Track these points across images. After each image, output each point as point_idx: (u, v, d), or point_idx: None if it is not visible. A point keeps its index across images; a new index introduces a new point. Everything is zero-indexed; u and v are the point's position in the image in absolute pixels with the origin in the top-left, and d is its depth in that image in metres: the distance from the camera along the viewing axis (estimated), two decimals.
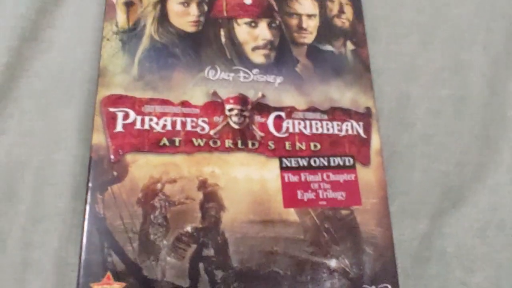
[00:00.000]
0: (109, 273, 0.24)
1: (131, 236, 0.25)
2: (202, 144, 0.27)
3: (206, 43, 0.30)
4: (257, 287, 0.25)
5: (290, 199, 0.27)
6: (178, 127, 0.27)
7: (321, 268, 0.26)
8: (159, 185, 0.26)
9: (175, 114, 0.28)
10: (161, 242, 0.25)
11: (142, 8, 0.30)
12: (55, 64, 0.32)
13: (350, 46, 0.32)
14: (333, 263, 0.26)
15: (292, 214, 0.27)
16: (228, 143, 0.28)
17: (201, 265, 0.25)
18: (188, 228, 0.25)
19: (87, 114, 0.31)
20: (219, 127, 0.28)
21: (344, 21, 0.32)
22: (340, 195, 0.28)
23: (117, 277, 0.24)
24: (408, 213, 0.30)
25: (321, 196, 0.27)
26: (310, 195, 0.27)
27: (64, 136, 0.31)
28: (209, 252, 0.25)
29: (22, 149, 0.30)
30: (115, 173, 0.26)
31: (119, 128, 0.27)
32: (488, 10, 0.37)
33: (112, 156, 0.26)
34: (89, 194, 0.25)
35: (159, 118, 0.27)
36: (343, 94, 0.30)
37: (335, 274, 0.26)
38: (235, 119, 0.28)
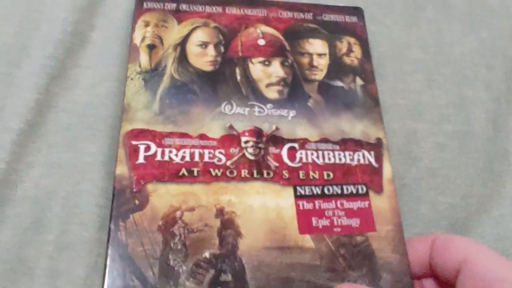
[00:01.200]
0: None
1: (151, 262, 0.25)
2: (219, 174, 0.28)
3: (223, 80, 0.32)
4: None
5: (305, 225, 0.27)
6: (196, 158, 0.29)
7: None
8: (178, 213, 0.27)
9: (193, 146, 0.29)
10: (180, 267, 0.25)
11: (164, 50, 0.32)
12: (80, 101, 0.34)
13: (359, 81, 0.33)
14: None
15: (307, 240, 0.27)
16: (244, 173, 0.29)
17: None
18: (206, 254, 0.26)
19: (110, 147, 0.32)
20: (235, 158, 0.29)
21: (353, 59, 0.34)
22: (354, 222, 0.28)
23: None
24: None
25: (335, 223, 0.28)
26: (324, 222, 0.28)
27: (90, 168, 0.32)
28: (227, 277, 0.26)
29: (49, 181, 0.32)
30: (136, 201, 0.27)
31: (141, 159, 0.28)
32: (489, 49, 0.38)
33: (134, 186, 0.27)
34: (112, 222, 0.26)
35: (178, 150, 0.29)
36: (354, 126, 0.31)
37: None
38: (250, 150, 0.29)
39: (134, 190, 0.27)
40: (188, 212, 0.27)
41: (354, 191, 0.29)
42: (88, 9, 0.37)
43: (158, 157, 0.28)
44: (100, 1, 0.38)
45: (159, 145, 0.29)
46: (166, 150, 0.29)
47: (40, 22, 0.36)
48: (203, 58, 0.33)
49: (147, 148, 0.29)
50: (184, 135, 0.29)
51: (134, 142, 0.29)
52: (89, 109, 0.34)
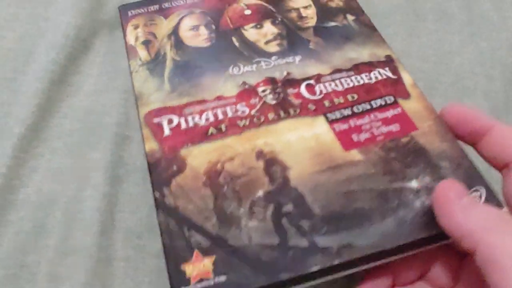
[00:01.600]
0: (196, 251, 0.23)
1: (207, 215, 0.24)
2: (247, 123, 0.28)
3: (223, 50, 0.32)
4: (348, 226, 0.23)
5: (347, 143, 0.27)
6: (220, 116, 0.28)
7: (404, 191, 0.25)
8: (219, 166, 0.26)
9: (214, 107, 0.29)
10: (238, 211, 0.24)
11: (159, 42, 0.33)
12: (83, 107, 0.35)
13: (350, 17, 0.34)
14: (414, 183, 0.25)
15: (355, 154, 0.26)
16: (270, 116, 0.28)
17: (284, 220, 0.24)
18: (260, 194, 0.25)
19: (113, 153, 0.33)
20: (258, 107, 0.29)
21: (338, 2, 0.35)
22: (394, 127, 0.27)
23: (205, 253, 0.23)
24: None
25: (376, 133, 0.27)
26: (365, 135, 0.27)
27: (92, 174, 0.32)
28: (289, 207, 0.24)
29: (52, 186, 0.32)
30: (174, 167, 0.26)
31: (167, 132, 0.28)
32: (488, 59, 0.40)
33: (168, 154, 0.27)
34: (156, 192, 0.25)
35: (200, 114, 0.29)
36: (360, 52, 0.32)
37: (420, 192, 0.25)
38: (270, 96, 0.29)
39: (169, 157, 0.27)
40: (228, 162, 0.26)
41: (383, 103, 0.29)
42: (92, 16, 0.38)
43: (183, 126, 0.28)
44: (103, 7, 0.39)
45: (180, 115, 0.29)
46: (189, 118, 0.28)
47: (45, 28, 0.37)
48: (198, 38, 0.33)
49: (170, 121, 0.28)
50: (201, 102, 0.29)
51: (156, 120, 0.28)
52: (92, 116, 0.34)
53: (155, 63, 0.32)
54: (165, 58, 0.32)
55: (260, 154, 0.26)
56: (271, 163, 0.26)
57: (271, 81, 0.30)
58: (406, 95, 0.29)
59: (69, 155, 0.33)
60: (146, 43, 0.33)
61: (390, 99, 0.29)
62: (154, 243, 0.31)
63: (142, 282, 0.30)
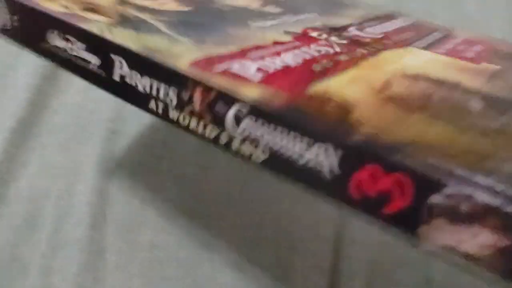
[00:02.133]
0: None
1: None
2: (347, 58, 0.23)
3: (212, 13, 0.26)
4: None
5: (470, 59, 0.25)
6: (307, 56, 0.22)
7: None
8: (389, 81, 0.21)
9: (287, 50, 0.23)
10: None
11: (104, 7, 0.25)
12: (74, 103, 0.35)
13: None
14: None
15: (487, 65, 0.25)
16: (362, 51, 0.24)
17: None
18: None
19: (104, 148, 0.33)
20: (335, 46, 0.24)
21: None
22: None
23: None
24: None
25: (466, 50, 0.27)
26: (469, 53, 0.26)
27: (83, 169, 0.33)
28: None
29: (43, 181, 0.32)
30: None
31: (259, 76, 0.20)
32: None
33: (296, 96, 0.19)
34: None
35: (276, 56, 0.22)
36: (363, 11, 0.32)
37: None
38: (334, 38, 0.25)
39: (303, 99, 0.19)
40: (397, 82, 0.21)
41: (440, 35, 0.29)
42: None
43: (271, 69, 0.20)
44: None
45: (251, 60, 0.21)
46: (266, 62, 0.21)
47: None
48: (169, 4, 0.27)
49: (249, 67, 0.20)
50: (260, 47, 0.22)
51: (222, 67, 0.20)
52: (83, 111, 0.35)
53: (131, 23, 0.23)
54: (141, 19, 0.24)
55: (417, 77, 0.22)
56: (440, 82, 0.22)
57: (316, 28, 0.26)
58: None
59: (60, 150, 0.34)
60: (90, 10, 0.23)
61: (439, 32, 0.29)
62: (145, 236, 0.32)
63: (134, 274, 0.30)
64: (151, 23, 0.25)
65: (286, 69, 0.21)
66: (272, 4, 0.30)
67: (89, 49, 0.21)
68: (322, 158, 0.16)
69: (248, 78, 0.19)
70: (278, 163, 0.17)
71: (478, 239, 0.14)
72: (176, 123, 0.20)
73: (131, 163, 0.34)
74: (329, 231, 0.32)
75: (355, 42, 0.26)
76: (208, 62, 0.20)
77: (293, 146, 0.17)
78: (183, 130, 0.19)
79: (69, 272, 0.30)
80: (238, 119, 0.18)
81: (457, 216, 0.14)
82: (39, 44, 0.23)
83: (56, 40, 0.22)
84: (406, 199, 0.15)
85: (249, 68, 0.20)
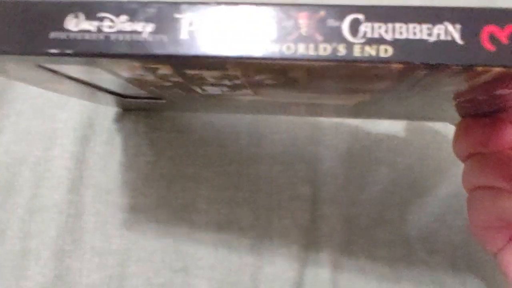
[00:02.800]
0: None
1: None
2: None
3: None
4: None
5: None
6: None
7: None
8: None
9: None
10: None
11: None
12: None
13: None
14: None
15: None
16: None
17: None
18: None
19: (81, 114, 0.33)
20: None
21: None
22: None
23: None
24: None
25: None
26: None
27: (60, 134, 0.33)
28: None
29: (19, 147, 0.32)
30: None
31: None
32: None
33: None
34: None
35: None
36: None
37: None
38: None
39: None
40: None
41: None
42: None
43: None
44: None
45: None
46: None
47: None
48: None
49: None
50: None
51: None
52: None
53: None
54: None
55: None
56: None
57: None
58: None
59: (36, 116, 0.34)
60: None
61: None
62: (123, 198, 0.32)
63: (113, 235, 0.31)
64: None
65: None
66: None
67: (138, 19, 0.19)
68: (451, 28, 0.17)
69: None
70: (407, 50, 0.17)
71: None
72: (279, 56, 0.18)
73: (108, 128, 0.34)
74: (306, 191, 0.33)
75: None
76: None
77: (419, 31, 0.17)
78: (287, 61, 0.19)
79: (48, 235, 0.30)
80: (355, 27, 0.18)
81: None
82: (41, 41, 0.19)
83: (81, 25, 0.19)
84: None
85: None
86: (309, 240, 0.32)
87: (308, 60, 0.18)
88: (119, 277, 0.31)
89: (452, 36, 0.17)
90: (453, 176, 0.34)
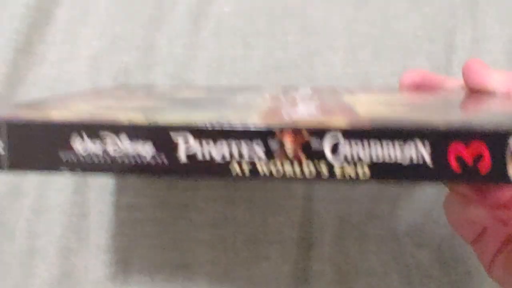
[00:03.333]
0: None
1: None
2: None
3: None
4: None
5: None
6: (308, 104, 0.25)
7: None
8: None
9: (294, 103, 0.26)
10: None
11: None
12: (49, 75, 0.36)
13: None
14: None
15: None
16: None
17: None
18: None
19: None
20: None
21: None
22: None
23: None
24: None
25: None
26: None
27: None
28: None
29: None
30: None
31: None
32: (430, 24, 0.42)
33: None
34: None
35: (297, 106, 0.25)
36: None
37: None
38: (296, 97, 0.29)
39: None
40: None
41: None
42: None
43: (318, 108, 0.24)
44: None
45: (297, 107, 0.25)
46: (306, 107, 0.25)
47: (4, 1, 0.38)
48: None
49: (308, 108, 0.24)
50: (278, 106, 0.25)
51: (288, 113, 0.23)
52: (59, 84, 0.36)
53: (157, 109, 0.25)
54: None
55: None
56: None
57: (276, 94, 0.30)
58: None
59: None
60: None
61: None
62: (125, 199, 0.33)
63: (116, 233, 0.32)
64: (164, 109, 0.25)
65: (324, 109, 0.23)
66: (214, 93, 0.31)
67: (138, 140, 0.20)
68: (420, 146, 0.19)
69: (316, 116, 0.22)
70: (384, 171, 0.19)
71: None
72: (268, 177, 0.20)
73: None
74: (299, 189, 0.34)
75: (311, 97, 0.28)
76: (274, 113, 0.23)
77: (393, 152, 0.19)
78: (277, 182, 0.20)
79: (54, 234, 0.32)
80: (335, 148, 0.20)
81: None
82: (53, 160, 0.21)
83: (86, 145, 0.20)
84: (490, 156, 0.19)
85: (310, 109, 0.23)
86: (302, 236, 0.34)
87: (295, 179, 0.20)
88: (123, 273, 0.32)
89: (423, 159, 0.19)
90: None
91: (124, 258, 0.33)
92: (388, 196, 0.35)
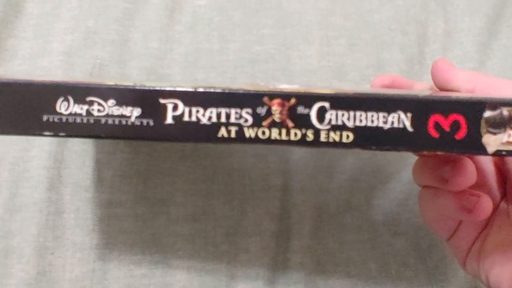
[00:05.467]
0: None
1: None
2: None
3: None
4: None
5: None
6: None
7: None
8: None
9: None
10: None
11: None
12: (21, 71, 0.36)
13: None
14: None
15: None
16: None
17: None
18: None
19: None
20: None
21: None
22: None
23: None
24: None
25: None
26: None
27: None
28: None
29: None
30: None
31: None
32: (403, 16, 0.43)
33: None
34: None
35: None
36: None
37: None
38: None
39: None
40: None
41: None
42: None
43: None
44: None
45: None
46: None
47: None
48: None
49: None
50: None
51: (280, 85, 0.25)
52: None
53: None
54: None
55: None
56: None
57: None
58: None
59: None
60: None
61: None
62: (102, 195, 0.33)
63: (93, 230, 0.32)
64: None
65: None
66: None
67: (125, 103, 0.20)
68: (403, 116, 0.20)
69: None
70: (366, 136, 0.20)
71: None
72: (254, 140, 0.20)
73: None
74: (277, 181, 0.35)
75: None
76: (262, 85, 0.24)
77: (376, 118, 0.20)
78: (261, 144, 0.21)
79: (29, 232, 0.31)
80: (322, 114, 0.20)
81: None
82: (35, 123, 0.20)
83: (71, 109, 0.20)
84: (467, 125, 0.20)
85: (294, 86, 0.24)
86: (281, 228, 0.34)
87: (281, 142, 0.20)
88: (101, 270, 0.32)
89: (403, 124, 0.20)
90: (413, 162, 0.37)
91: (102, 255, 0.32)
92: (364, 186, 0.36)
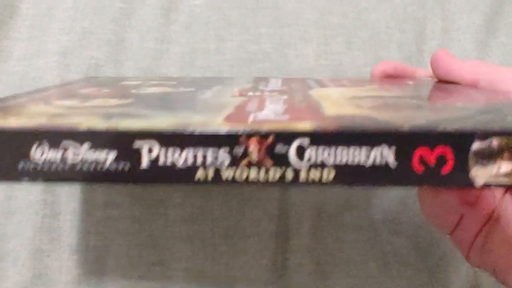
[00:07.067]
0: None
1: None
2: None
3: None
4: None
5: None
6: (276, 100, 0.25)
7: None
8: None
9: (262, 101, 0.25)
10: None
11: None
12: (16, 72, 0.35)
13: None
14: None
15: None
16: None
17: None
18: None
19: None
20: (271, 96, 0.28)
21: None
22: None
23: None
24: None
25: None
26: None
27: None
28: None
29: None
30: None
31: None
32: (401, 14, 0.43)
33: None
34: None
35: (264, 105, 0.24)
36: None
37: None
38: (265, 93, 0.28)
39: None
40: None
41: None
42: None
43: (285, 109, 0.23)
44: None
45: (264, 109, 0.24)
46: (272, 107, 0.24)
47: None
48: None
49: (276, 111, 0.23)
50: (242, 104, 0.24)
51: (252, 116, 0.22)
52: (27, 81, 0.35)
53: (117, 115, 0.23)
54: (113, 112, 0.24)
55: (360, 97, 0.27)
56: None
57: (246, 89, 0.30)
58: None
59: None
60: None
61: None
62: (99, 197, 0.33)
63: (90, 232, 0.31)
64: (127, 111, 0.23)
65: (291, 108, 0.23)
66: (183, 86, 0.30)
67: (100, 146, 0.20)
68: (386, 151, 0.19)
69: (283, 119, 0.21)
70: (348, 174, 0.19)
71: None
72: (231, 181, 0.20)
73: None
74: None
75: (280, 92, 0.28)
76: (238, 115, 0.22)
77: (358, 154, 0.19)
78: (240, 185, 0.20)
79: (25, 235, 0.31)
80: (301, 152, 0.19)
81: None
82: (11, 171, 0.20)
83: (46, 155, 0.19)
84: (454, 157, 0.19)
85: (277, 108, 0.23)
86: (280, 228, 0.34)
87: (260, 183, 0.19)
88: (98, 272, 0.32)
89: (386, 161, 0.19)
90: None
91: (99, 257, 0.32)
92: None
